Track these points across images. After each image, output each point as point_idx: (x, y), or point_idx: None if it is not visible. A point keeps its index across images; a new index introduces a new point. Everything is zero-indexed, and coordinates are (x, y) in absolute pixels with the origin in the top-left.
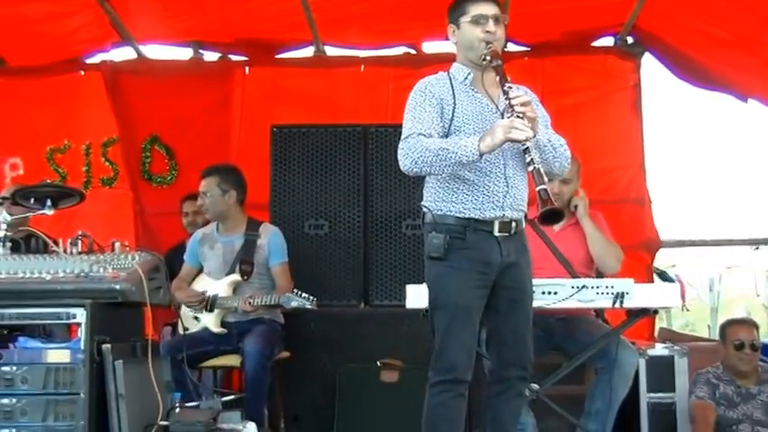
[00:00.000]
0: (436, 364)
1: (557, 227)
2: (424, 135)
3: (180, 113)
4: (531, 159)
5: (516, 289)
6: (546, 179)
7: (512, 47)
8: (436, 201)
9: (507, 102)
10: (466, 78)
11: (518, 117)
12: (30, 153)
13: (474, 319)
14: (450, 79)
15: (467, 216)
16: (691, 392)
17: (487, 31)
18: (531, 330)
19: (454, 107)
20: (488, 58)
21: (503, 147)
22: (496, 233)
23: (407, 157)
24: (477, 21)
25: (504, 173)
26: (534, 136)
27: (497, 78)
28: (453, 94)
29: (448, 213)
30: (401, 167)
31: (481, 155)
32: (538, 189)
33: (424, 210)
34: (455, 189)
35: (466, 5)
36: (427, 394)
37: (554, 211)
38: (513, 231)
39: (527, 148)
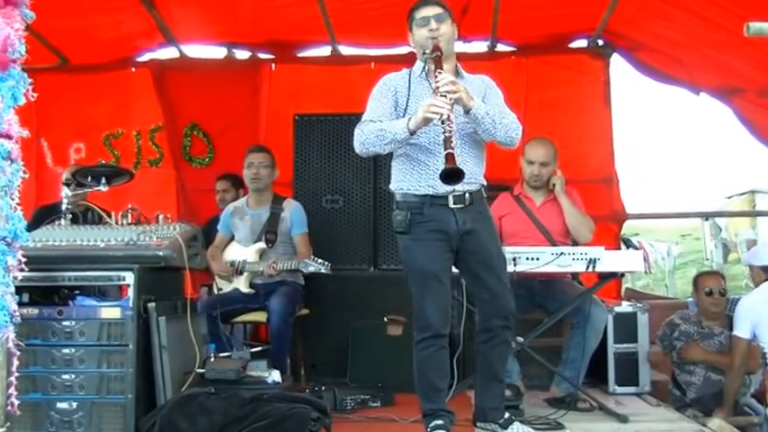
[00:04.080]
0: (416, 324)
1: (538, 201)
2: (373, 121)
3: (216, 104)
4: (444, 130)
5: (480, 252)
6: (453, 146)
7: (501, 47)
8: (397, 182)
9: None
10: (422, 72)
11: (441, 96)
12: (90, 138)
13: (442, 281)
14: (410, 74)
15: (422, 193)
16: (665, 337)
17: (430, 29)
18: (507, 284)
19: (408, 97)
20: (427, 51)
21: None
22: (451, 205)
23: (356, 141)
24: (420, 23)
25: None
26: (451, 111)
27: (433, 67)
28: (409, 86)
29: (408, 192)
30: (355, 149)
31: (410, 132)
32: (444, 153)
33: (391, 191)
34: (410, 170)
35: (413, 12)
36: (414, 350)
37: (451, 170)
38: (467, 202)
39: (443, 120)
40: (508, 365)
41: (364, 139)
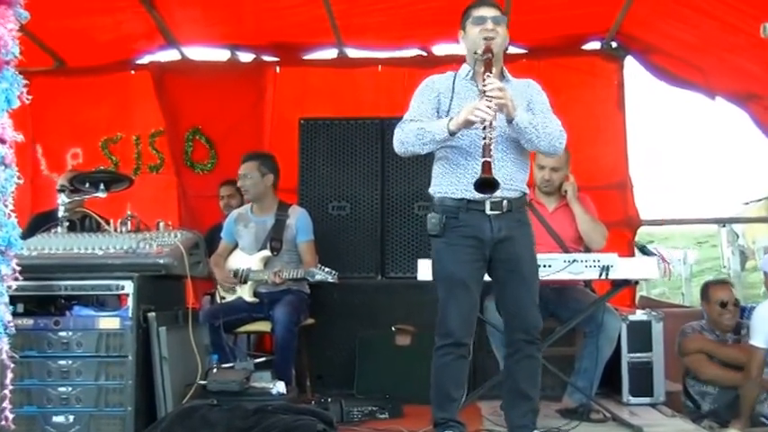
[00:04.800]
0: (438, 330)
1: (550, 207)
2: (414, 121)
3: (219, 108)
4: (485, 136)
5: (512, 261)
6: (491, 154)
7: (512, 49)
8: (436, 185)
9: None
10: (468, 74)
11: (486, 100)
12: (87, 143)
13: (470, 288)
14: (455, 76)
15: (459, 197)
16: (678, 345)
17: (485, 29)
18: (535, 299)
19: (451, 99)
20: (479, 51)
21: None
22: (488, 211)
23: (396, 140)
24: (476, 22)
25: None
26: (494, 118)
27: (482, 69)
28: (453, 87)
29: (446, 195)
30: (394, 149)
31: (450, 133)
32: (482, 161)
33: (430, 194)
34: (449, 173)
35: (470, 10)
36: (433, 356)
37: (487, 179)
38: (505, 209)
39: (484, 126)
40: None
41: (404, 138)
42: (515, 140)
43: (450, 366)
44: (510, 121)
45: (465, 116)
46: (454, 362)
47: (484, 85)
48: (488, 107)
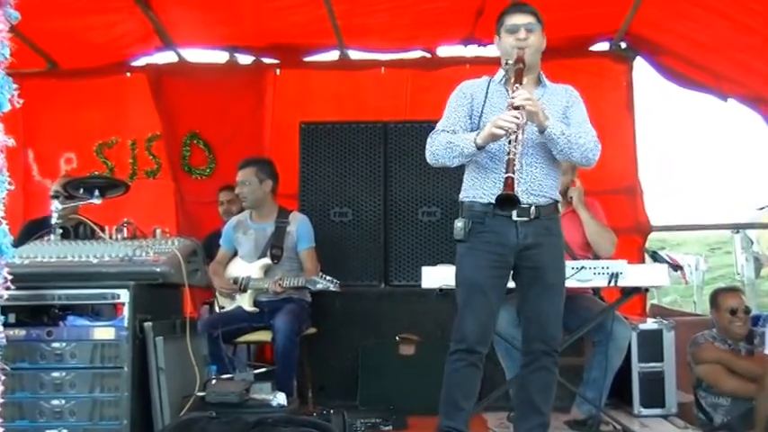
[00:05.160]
0: (454, 335)
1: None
2: (447, 131)
3: (217, 111)
4: (509, 151)
5: (536, 269)
6: (514, 168)
7: None
8: (465, 189)
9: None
10: (501, 79)
11: (515, 110)
12: (82, 148)
13: (489, 296)
14: (489, 81)
15: (486, 201)
16: (691, 355)
17: (518, 38)
18: (558, 310)
19: (484, 104)
20: (510, 61)
21: (524, 138)
22: (515, 218)
23: (428, 151)
24: (510, 30)
25: (520, 161)
26: (520, 130)
27: (513, 79)
28: (486, 93)
29: (473, 200)
30: (426, 159)
31: (478, 146)
32: (505, 176)
33: (459, 200)
34: (478, 178)
35: (504, 17)
36: (446, 362)
37: (507, 196)
38: (533, 216)
39: (509, 140)
40: None
41: (435, 150)
42: (546, 147)
43: (460, 373)
44: (542, 131)
45: (489, 130)
46: (465, 369)
47: (512, 97)
48: (514, 118)
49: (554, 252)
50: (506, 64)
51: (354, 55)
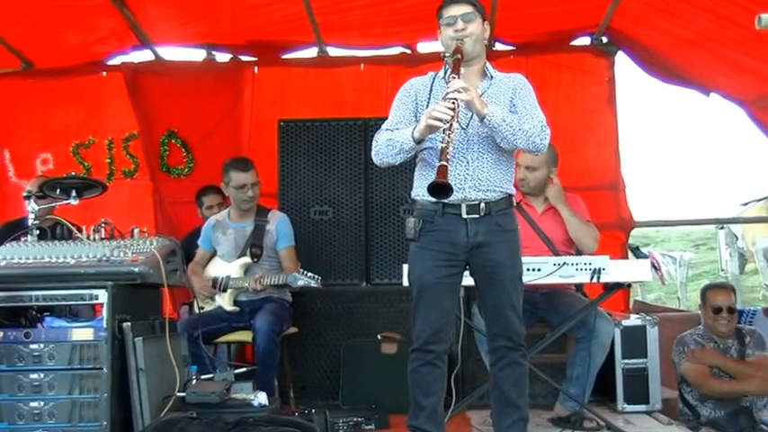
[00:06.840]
0: (411, 335)
1: (539, 209)
2: (390, 130)
3: (195, 110)
4: (442, 139)
5: (489, 266)
6: (447, 157)
7: (499, 46)
8: (416, 188)
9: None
10: (446, 74)
11: (446, 102)
12: (58, 148)
13: (438, 293)
14: (434, 76)
15: (436, 200)
16: (676, 354)
17: (456, 30)
18: (516, 305)
19: (428, 101)
20: (448, 53)
21: (468, 132)
22: (464, 215)
23: (372, 150)
24: (447, 22)
25: (466, 157)
26: (453, 118)
27: (450, 70)
28: (430, 89)
29: (423, 199)
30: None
31: (416, 140)
32: (438, 164)
33: (411, 197)
34: (425, 175)
35: (441, 11)
36: None
37: (439, 184)
38: (483, 213)
39: (443, 129)
40: None
41: (378, 149)
42: (493, 140)
43: (417, 372)
44: (482, 119)
45: (424, 122)
46: (421, 368)
47: (447, 87)
48: (447, 109)
49: (507, 248)
50: (445, 56)
51: (333, 52)
